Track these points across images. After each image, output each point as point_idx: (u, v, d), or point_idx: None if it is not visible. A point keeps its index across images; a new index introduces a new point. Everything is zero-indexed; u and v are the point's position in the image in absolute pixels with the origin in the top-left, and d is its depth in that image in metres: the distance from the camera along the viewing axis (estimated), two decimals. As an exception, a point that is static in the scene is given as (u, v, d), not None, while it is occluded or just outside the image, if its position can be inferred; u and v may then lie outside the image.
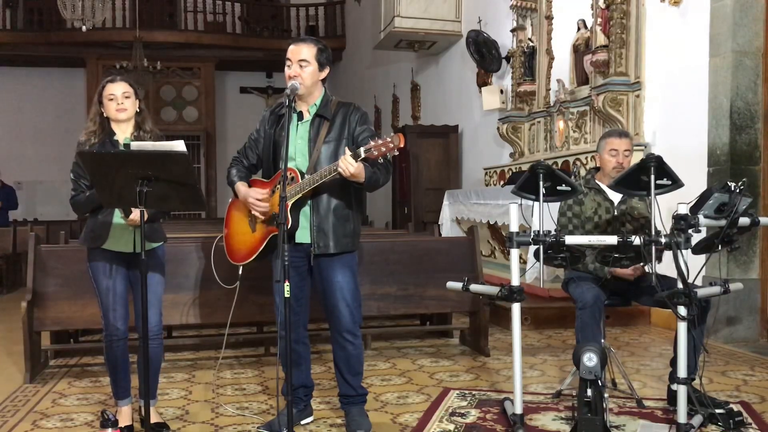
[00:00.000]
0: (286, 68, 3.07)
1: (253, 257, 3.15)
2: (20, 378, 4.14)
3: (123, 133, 3.13)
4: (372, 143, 2.84)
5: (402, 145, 2.83)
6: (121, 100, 3.08)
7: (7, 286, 9.00)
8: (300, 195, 3.00)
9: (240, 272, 3.25)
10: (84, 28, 11.95)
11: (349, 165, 2.85)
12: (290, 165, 3.03)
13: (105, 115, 3.12)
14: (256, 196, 3.08)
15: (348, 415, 3.20)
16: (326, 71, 3.12)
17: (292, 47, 3.08)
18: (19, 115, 16.14)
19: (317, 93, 3.14)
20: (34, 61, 15.87)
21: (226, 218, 3.35)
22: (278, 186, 2.95)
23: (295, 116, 3.11)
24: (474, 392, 3.77)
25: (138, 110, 3.16)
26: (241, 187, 3.19)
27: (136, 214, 3.01)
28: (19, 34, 15.24)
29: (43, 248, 4.25)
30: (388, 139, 2.83)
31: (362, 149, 2.85)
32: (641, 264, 3.42)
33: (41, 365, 4.39)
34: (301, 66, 3.04)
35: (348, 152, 2.89)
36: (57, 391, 3.92)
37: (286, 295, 2.74)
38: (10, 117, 16.05)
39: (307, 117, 3.13)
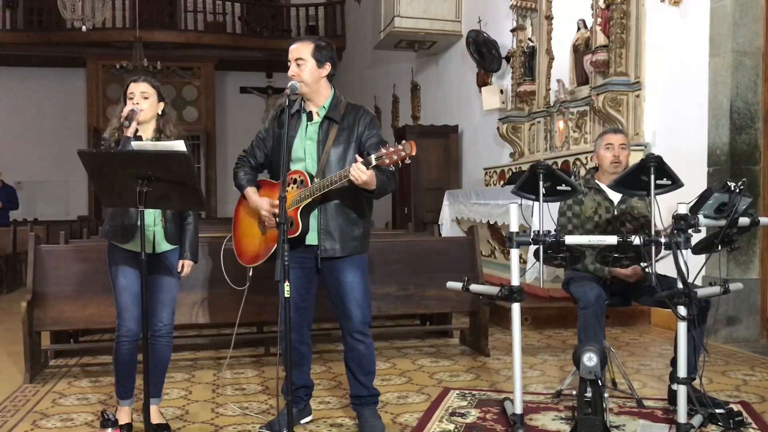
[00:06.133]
0: (289, 70, 3.06)
1: (264, 260, 3.13)
2: (20, 378, 4.14)
3: (145, 133, 3.12)
4: (384, 150, 2.80)
5: (413, 153, 2.78)
6: (138, 99, 3.08)
7: (7, 286, 9.00)
8: (310, 200, 2.96)
9: (250, 274, 3.23)
10: (84, 28, 11.96)
11: (360, 173, 2.79)
12: (299, 167, 3.03)
13: None
14: (270, 209, 3.04)
15: (361, 417, 3.15)
16: (327, 68, 3.06)
17: (290, 47, 3.07)
18: (19, 115, 16.15)
19: (325, 93, 3.09)
20: (34, 61, 15.88)
21: (234, 218, 3.32)
22: (287, 190, 2.92)
23: (304, 116, 3.09)
24: (474, 392, 3.77)
25: (160, 113, 3.15)
26: (252, 194, 3.14)
27: (187, 269, 3.23)
28: (19, 34, 15.25)
29: (43, 248, 4.25)
30: (400, 147, 2.79)
31: (373, 156, 2.80)
32: (643, 265, 3.42)
33: (41, 365, 4.39)
34: (298, 65, 3.01)
35: (359, 159, 2.84)
36: (57, 391, 3.92)
37: (286, 295, 2.74)
38: (10, 117, 16.06)
39: (317, 118, 3.09)
